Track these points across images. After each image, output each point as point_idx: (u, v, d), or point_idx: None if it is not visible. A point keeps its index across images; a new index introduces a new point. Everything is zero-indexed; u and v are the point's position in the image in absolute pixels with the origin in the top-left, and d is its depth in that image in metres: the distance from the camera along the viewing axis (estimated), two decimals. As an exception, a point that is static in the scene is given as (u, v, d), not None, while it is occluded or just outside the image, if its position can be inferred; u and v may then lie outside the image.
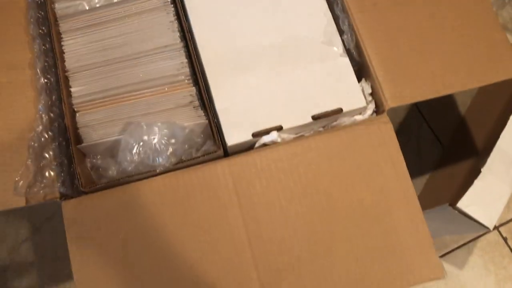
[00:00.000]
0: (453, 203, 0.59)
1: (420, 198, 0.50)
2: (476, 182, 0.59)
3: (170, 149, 0.53)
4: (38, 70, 0.56)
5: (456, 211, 0.59)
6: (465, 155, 0.79)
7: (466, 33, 0.58)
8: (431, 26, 0.58)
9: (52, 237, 0.91)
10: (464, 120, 0.85)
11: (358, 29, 0.57)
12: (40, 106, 0.54)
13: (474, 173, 0.60)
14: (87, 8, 0.62)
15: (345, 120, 0.56)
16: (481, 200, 0.58)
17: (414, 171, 0.52)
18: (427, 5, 0.59)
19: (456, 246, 0.88)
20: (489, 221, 0.60)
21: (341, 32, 0.58)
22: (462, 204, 0.58)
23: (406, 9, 0.59)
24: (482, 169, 0.59)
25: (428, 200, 0.57)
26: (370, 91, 0.56)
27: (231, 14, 0.60)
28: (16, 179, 0.51)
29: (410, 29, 0.58)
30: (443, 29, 0.58)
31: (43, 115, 0.54)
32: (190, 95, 0.58)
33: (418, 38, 0.57)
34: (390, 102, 0.54)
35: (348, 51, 0.58)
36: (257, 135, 0.54)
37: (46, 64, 0.58)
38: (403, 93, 0.55)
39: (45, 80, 0.56)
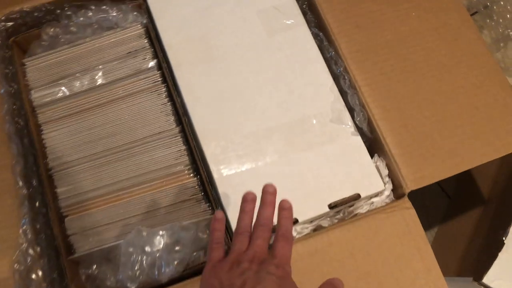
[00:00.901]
0: (477, 277, 0.56)
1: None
2: (500, 255, 0.56)
3: (176, 259, 0.47)
4: (17, 174, 0.49)
5: (482, 287, 0.56)
6: (471, 205, 0.77)
7: (478, 101, 0.55)
8: (441, 94, 0.55)
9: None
10: (468, 170, 0.82)
11: (368, 105, 0.53)
12: (23, 220, 0.47)
13: (496, 244, 0.57)
14: (68, 94, 0.56)
15: (362, 204, 0.52)
16: (507, 274, 0.55)
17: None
18: (434, 72, 0.56)
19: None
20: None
21: (350, 109, 0.54)
22: (488, 279, 0.55)
23: (414, 77, 0.55)
24: (505, 240, 0.56)
25: (441, 256, 0.53)
26: (387, 172, 0.52)
27: (230, 94, 0.55)
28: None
29: (421, 99, 0.54)
30: (455, 97, 0.55)
31: (27, 229, 0.48)
32: (192, 187, 0.52)
33: (430, 109, 0.54)
34: (410, 185, 0.51)
35: (358, 127, 0.54)
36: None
37: (27, 164, 0.51)
38: (422, 174, 0.51)
39: (26, 185, 0.50)
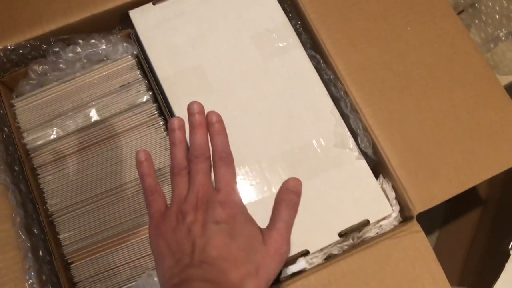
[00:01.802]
0: (485, 289, 0.57)
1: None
2: (507, 266, 0.56)
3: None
4: (18, 226, 0.48)
5: (490, 299, 0.57)
6: (470, 209, 0.78)
7: (479, 116, 0.55)
8: (442, 111, 0.55)
9: None
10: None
11: (371, 127, 0.53)
12: (28, 274, 0.46)
13: (500, 254, 0.57)
14: (62, 134, 0.54)
15: (370, 228, 0.52)
16: (515, 285, 0.56)
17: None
18: (434, 89, 0.56)
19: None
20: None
21: (352, 132, 0.53)
22: (496, 291, 0.56)
23: (414, 95, 0.55)
24: (511, 251, 0.57)
25: (443, 264, 0.53)
26: (393, 194, 0.52)
27: (230, 124, 0.53)
28: None
29: (423, 118, 0.54)
30: (456, 114, 0.55)
31: (33, 283, 0.46)
32: (198, 223, 0.51)
33: (432, 128, 0.54)
34: (418, 207, 0.50)
35: (363, 151, 0.53)
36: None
37: (26, 213, 0.49)
38: (429, 194, 0.51)
39: (28, 235, 0.48)
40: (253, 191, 0.51)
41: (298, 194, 0.37)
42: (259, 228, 0.36)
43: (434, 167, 0.52)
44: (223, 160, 0.37)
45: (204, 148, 0.37)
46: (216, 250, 0.33)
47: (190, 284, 0.31)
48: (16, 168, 0.52)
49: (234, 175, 0.37)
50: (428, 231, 0.85)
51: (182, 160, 0.38)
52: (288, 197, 0.37)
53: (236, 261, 0.33)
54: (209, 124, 0.38)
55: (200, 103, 0.38)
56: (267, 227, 0.36)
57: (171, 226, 0.35)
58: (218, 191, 0.36)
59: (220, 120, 0.38)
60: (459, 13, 0.89)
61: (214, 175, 0.37)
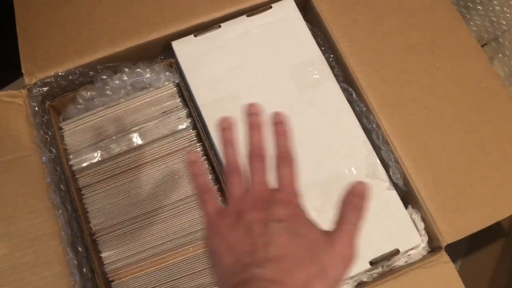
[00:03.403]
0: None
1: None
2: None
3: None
4: (66, 244, 0.50)
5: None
6: (493, 238, 0.79)
7: (506, 149, 0.57)
8: (469, 144, 0.56)
9: None
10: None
11: (401, 159, 0.55)
12: (73, 290, 0.48)
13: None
14: (106, 156, 0.57)
15: (400, 257, 0.54)
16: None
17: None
18: (461, 122, 0.58)
19: None
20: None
21: (384, 163, 0.56)
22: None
23: (442, 128, 0.57)
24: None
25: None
26: (423, 225, 0.54)
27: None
28: None
29: (450, 151, 0.56)
30: (482, 147, 0.56)
31: (79, 298, 0.49)
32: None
33: (460, 160, 0.56)
34: (446, 238, 0.52)
35: (393, 182, 0.55)
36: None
37: (72, 231, 0.52)
38: (457, 226, 0.53)
39: (74, 253, 0.51)
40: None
41: (364, 198, 0.35)
42: (323, 231, 0.34)
43: (462, 200, 0.54)
44: (286, 160, 0.36)
45: (262, 147, 0.37)
46: (280, 249, 0.31)
47: (255, 284, 0.30)
48: (63, 188, 0.54)
49: (296, 176, 0.36)
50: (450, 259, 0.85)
51: (235, 160, 0.37)
52: (354, 200, 0.34)
53: (301, 261, 0.31)
54: (273, 123, 0.37)
55: (258, 105, 0.38)
56: (333, 230, 0.34)
57: (230, 224, 0.33)
58: (278, 191, 0.35)
59: (284, 122, 0.37)
60: (482, 46, 0.91)
61: (276, 174, 0.36)
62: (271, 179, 0.37)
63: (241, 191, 0.35)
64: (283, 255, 0.31)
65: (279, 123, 0.37)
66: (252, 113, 0.37)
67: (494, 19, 0.83)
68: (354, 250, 0.33)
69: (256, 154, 0.37)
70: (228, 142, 0.37)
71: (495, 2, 0.81)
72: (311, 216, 0.35)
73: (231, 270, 0.31)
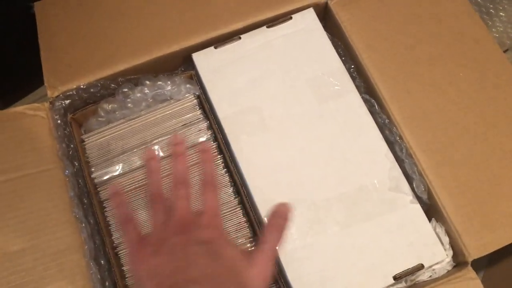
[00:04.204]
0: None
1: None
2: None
3: None
4: (89, 257, 0.50)
5: None
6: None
7: (533, 162, 0.55)
8: (495, 157, 0.55)
9: None
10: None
11: (425, 171, 0.54)
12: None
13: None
14: (127, 169, 0.57)
15: (424, 271, 0.53)
16: None
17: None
18: (487, 134, 0.57)
19: None
20: None
21: (407, 176, 0.55)
22: None
23: (467, 141, 0.56)
24: None
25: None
26: (447, 239, 0.53)
27: (287, 164, 0.56)
28: None
29: (476, 164, 0.55)
30: (509, 159, 0.55)
31: (101, 313, 0.49)
32: (255, 260, 0.53)
33: (486, 173, 0.55)
34: (472, 253, 0.51)
35: (417, 196, 0.54)
36: (338, 306, 0.50)
37: (95, 245, 0.52)
38: (484, 241, 0.52)
39: (97, 267, 0.51)
40: (309, 232, 0.53)
41: (286, 219, 0.38)
42: (243, 251, 0.37)
43: (489, 214, 0.53)
44: (210, 185, 0.39)
45: (185, 174, 0.39)
46: (200, 270, 0.32)
47: None
48: (85, 201, 0.55)
49: (218, 200, 0.38)
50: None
51: (159, 188, 0.39)
52: (275, 221, 0.38)
53: (222, 281, 0.32)
54: (200, 151, 0.40)
55: (179, 136, 0.41)
56: (254, 249, 0.37)
57: (152, 251, 0.34)
58: (201, 215, 0.36)
59: (209, 149, 0.40)
60: (504, 52, 0.90)
61: (200, 199, 0.38)
62: (196, 205, 0.38)
63: (163, 218, 0.37)
64: (204, 276, 0.32)
65: (206, 151, 0.40)
66: (175, 143, 0.40)
67: (517, 25, 0.81)
68: (270, 268, 0.36)
69: (179, 181, 0.39)
70: (152, 171, 0.39)
71: (518, 9, 0.79)
72: (231, 238, 0.39)
73: None
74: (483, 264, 0.85)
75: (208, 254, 0.33)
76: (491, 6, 0.82)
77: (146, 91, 0.58)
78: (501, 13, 0.81)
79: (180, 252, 0.33)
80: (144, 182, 0.57)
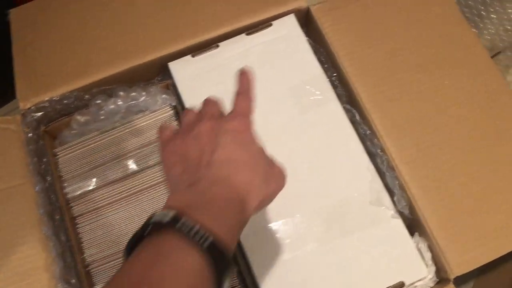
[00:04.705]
0: None
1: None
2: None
3: None
4: (57, 278, 0.49)
5: None
6: (510, 255, 0.75)
7: (520, 174, 0.53)
8: (482, 169, 0.53)
9: None
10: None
11: (408, 185, 0.52)
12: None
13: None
14: (101, 184, 0.55)
15: (406, 289, 0.51)
16: None
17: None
18: (474, 145, 0.55)
19: None
20: None
21: (389, 189, 0.53)
22: None
23: (453, 152, 0.54)
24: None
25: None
26: (430, 255, 0.51)
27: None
28: None
29: (462, 176, 0.53)
30: (496, 171, 0.53)
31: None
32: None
33: (472, 186, 0.53)
34: (455, 270, 0.49)
35: (399, 211, 0.52)
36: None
37: (65, 263, 0.51)
38: (467, 257, 0.50)
39: (66, 285, 0.49)
40: (286, 249, 0.51)
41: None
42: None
43: (472, 229, 0.51)
44: (244, 94, 0.38)
45: (218, 99, 0.39)
46: (226, 154, 0.33)
47: (201, 183, 0.32)
48: (57, 217, 0.53)
49: (251, 107, 0.38)
50: (462, 280, 0.82)
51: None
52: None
53: (246, 167, 0.34)
54: (240, 74, 0.40)
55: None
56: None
57: (181, 139, 0.35)
58: (231, 112, 0.37)
59: (249, 72, 0.40)
60: (496, 54, 0.88)
61: (233, 104, 0.38)
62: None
63: (195, 116, 0.37)
64: (229, 159, 0.33)
65: (245, 72, 0.40)
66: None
67: (509, 27, 0.79)
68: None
69: (210, 100, 0.39)
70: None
71: (509, 11, 0.77)
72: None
73: (181, 178, 0.34)
74: (474, 273, 0.83)
75: (234, 143, 0.34)
76: (482, 8, 0.80)
77: (120, 102, 0.56)
78: (492, 15, 0.79)
79: (207, 138, 0.34)
80: (120, 197, 0.55)
